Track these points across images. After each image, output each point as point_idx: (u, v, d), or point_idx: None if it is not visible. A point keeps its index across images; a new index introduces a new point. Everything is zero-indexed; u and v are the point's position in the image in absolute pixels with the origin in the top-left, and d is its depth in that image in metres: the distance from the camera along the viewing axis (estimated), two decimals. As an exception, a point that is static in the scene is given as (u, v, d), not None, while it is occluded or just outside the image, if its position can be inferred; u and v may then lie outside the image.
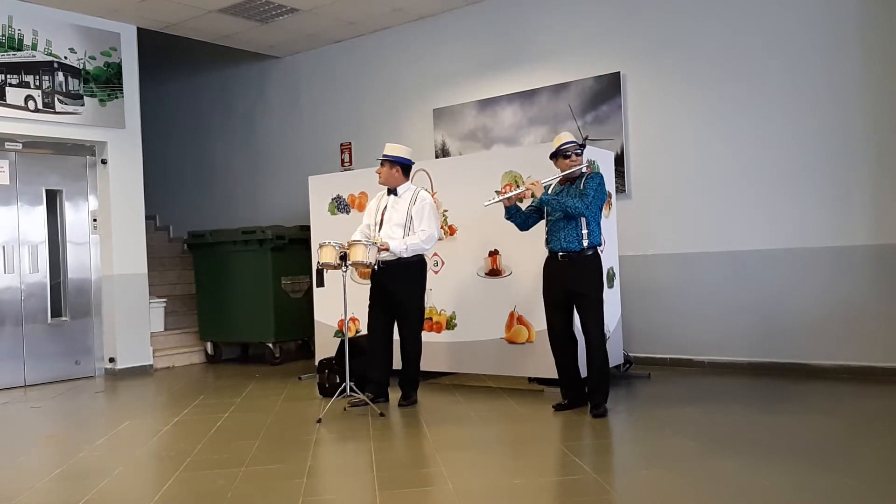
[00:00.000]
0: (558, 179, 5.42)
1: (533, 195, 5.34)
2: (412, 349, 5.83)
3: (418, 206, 5.78)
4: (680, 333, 7.01)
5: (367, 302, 5.91)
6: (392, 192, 5.87)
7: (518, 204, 5.52)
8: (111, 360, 8.04)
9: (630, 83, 7.29)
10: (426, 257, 5.94)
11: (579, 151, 5.35)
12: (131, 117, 8.25)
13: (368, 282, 5.98)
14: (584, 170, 5.37)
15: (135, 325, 8.17)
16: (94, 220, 8.16)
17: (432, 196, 6.41)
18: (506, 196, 5.41)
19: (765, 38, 6.63)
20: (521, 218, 5.49)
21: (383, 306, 5.81)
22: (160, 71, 10.59)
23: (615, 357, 6.29)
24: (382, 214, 5.83)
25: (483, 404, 5.78)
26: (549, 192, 5.40)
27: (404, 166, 5.86)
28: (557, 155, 5.36)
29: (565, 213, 5.20)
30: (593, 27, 7.48)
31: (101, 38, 8.02)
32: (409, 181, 5.94)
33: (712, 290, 6.88)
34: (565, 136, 5.38)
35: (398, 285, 5.72)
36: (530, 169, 6.06)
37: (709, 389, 6.08)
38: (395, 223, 5.76)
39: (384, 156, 5.85)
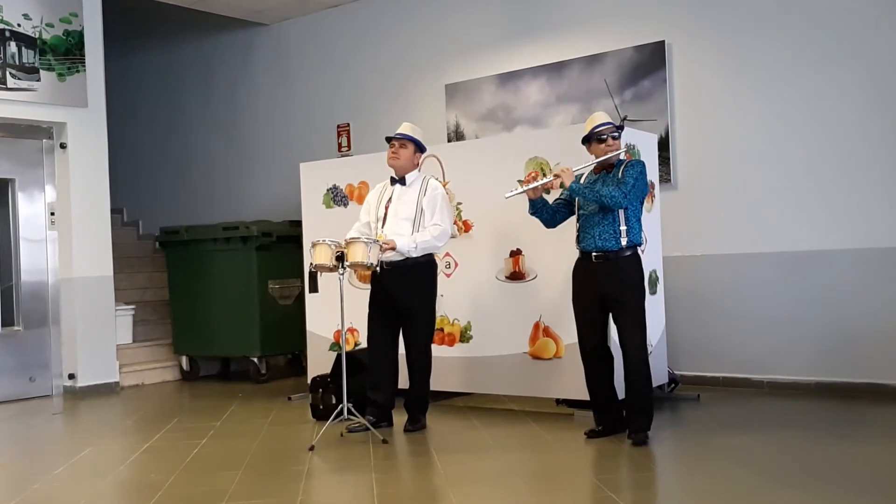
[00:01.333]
0: (592, 167, 5.41)
1: (561, 184, 5.33)
2: (421, 364, 5.83)
3: (430, 197, 5.78)
4: (734, 348, 6.99)
5: (367, 309, 5.92)
6: (398, 180, 5.87)
7: (545, 196, 5.51)
8: (71, 376, 8.08)
9: (677, 54, 7.27)
10: (436, 258, 5.94)
11: (616, 134, 5.33)
12: (95, 94, 8.28)
13: (369, 286, 5.99)
14: (622, 156, 5.36)
15: (98, 337, 8.20)
16: (52, 213, 8.20)
17: (444, 186, 6.41)
18: (530, 186, 5.39)
19: (837, 3, 6.60)
20: (548, 212, 5.48)
21: (387, 313, 5.81)
22: (128, 41, 10.64)
23: (658, 376, 6.27)
24: (386, 207, 5.84)
25: (503, 430, 5.78)
26: (582, 181, 5.39)
27: (422, 152, 5.91)
28: (591, 139, 5.34)
29: (600, 205, 5.19)
30: (633, -11, 7.49)
31: (59, 2, 8.06)
32: (418, 169, 5.97)
33: (773, 298, 6.85)
34: (600, 117, 5.37)
35: (405, 288, 5.72)
36: (559, 155, 6.05)
37: (768, 414, 6.07)
38: (403, 217, 5.75)
39: (402, 135, 5.84)
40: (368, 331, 5.90)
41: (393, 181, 5.90)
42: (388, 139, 5.91)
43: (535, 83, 7.97)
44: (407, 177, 5.86)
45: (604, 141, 5.30)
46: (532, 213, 5.49)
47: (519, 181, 6.18)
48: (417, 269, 5.75)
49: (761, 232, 6.91)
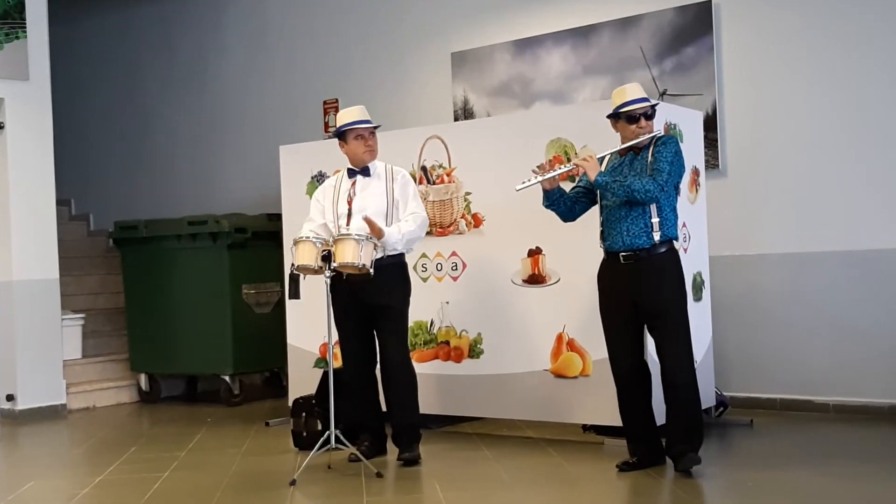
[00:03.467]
0: (618, 150, 5.39)
1: (585, 177, 5.31)
2: (405, 375, 5.84)
3: (401, 185, 5.88)
4: (794, 365, 6.98)
5: (336, 321, 5.93)
6: (360, 171, 5.92)
7: (562, 186, 5.50)
8: (9, 397, 8.10)
9: (726, 16, 7.27)
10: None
11: (651, 113, 5.31)
12: (37, 65, 8.29)
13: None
14: (654, 133, 5.33)
15: (42, 351, 8.21)
16: (-13, 206, 8.24)
17: (449, 174, 6.42)
18: (545, 177, 5.37)
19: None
20: (565, 205, 5.47)
21: (361, 323, 5.88)
22: (77, 2, 10.65)
23: (704, 397, 6.24)
24: (349, 202, 5.88)
25: (520, 461, 5.79)
26: (605, 166, 5.38)
27: None
28: (619, 117, 5.33)
29: (631, 200, 5.17)
30: (674, -61, 7.49)
31: (-4, -44, 8.10)
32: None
33: (840, 306, 6.85)
34: (632, 91, 5.34)
35: (380, 286, 5.71)
36: (586, 136, 6.05)
37: (833, 443, 6.07)
38: (374, 212, 5.78)
39: (369, 122, 5.87)
40: (343, 344, 5.97)
41: (352, 172, 5.94)
42: (345, 130, 5.85)
43: (557, 51, 7.97)
44: (370, 166, 5.92)
45: (636, 121, 5.28)
46: (547, 206, 5.48)
47: (537, 167, 6.17)
48: (391, 269, 5.80)
49: (826, 227, 6.91)
